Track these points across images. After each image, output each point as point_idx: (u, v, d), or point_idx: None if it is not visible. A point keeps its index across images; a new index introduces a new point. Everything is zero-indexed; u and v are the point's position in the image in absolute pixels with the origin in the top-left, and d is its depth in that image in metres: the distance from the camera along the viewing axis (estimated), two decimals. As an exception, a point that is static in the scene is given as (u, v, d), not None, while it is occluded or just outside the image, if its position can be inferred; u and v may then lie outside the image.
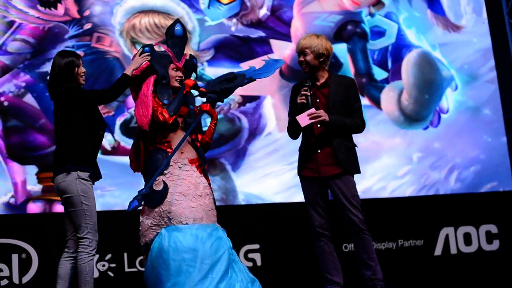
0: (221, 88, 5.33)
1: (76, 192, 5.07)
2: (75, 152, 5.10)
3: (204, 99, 5.38)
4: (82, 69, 5.28)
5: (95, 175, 5.22)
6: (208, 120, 5.42)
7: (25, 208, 7.33)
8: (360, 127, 5.69)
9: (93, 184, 5.23)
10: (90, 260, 5.11)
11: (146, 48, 5.30)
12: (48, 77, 7.38)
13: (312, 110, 5.52)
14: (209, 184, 5.25)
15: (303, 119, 5.52)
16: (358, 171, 5.72)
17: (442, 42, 9.24)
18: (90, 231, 5.11)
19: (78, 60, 5.25)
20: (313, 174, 5.64)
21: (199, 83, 5.51)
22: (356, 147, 5.74)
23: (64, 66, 5.20)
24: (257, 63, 5.49)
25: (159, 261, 4.89)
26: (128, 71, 5.20)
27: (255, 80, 5.41)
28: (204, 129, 5.42)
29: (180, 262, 4.85)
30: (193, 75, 5.56)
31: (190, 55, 5.51)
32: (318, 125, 5.60)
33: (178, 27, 5.40)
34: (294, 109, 5.69)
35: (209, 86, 5.38)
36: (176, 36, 5.38)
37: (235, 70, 5.52)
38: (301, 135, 5.79)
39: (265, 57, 5.55)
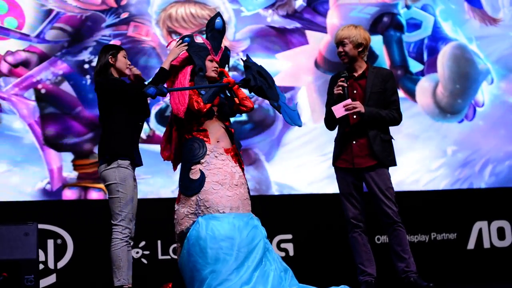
0: (261, 86, 5.25)
1: (114, 179, 5.20)
2: (114, 144, 5.24)
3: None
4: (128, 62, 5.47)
5: (135, 163, 5.32)
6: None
7: (61, 195, 7.41)
8: (396, 119, 5.68)
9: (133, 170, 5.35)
10: (123, 246, 5.19)
11: (187, 39, 5.35)
12: (85, 66, 7.56)
13: (348, 101, 5.52)
14: (244, 173, 5.28)
15: (338, 110, 5.53)
16: (394, 164, 5.71)
17: (478, 35, 9.16)
18: (123, 219, 5.21)
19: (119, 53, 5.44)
20: (347, 165, 5.65)
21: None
22: (392, 139, 5.74)
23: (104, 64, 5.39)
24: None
25: (196, 249, 4.92)
26: (166, 64, 5.27)
27: (279, 112, 5.28)
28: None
29: (217, 250, 4.88)
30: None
31: (225, 47, 5.55)
32: (354, 116, 5.61)
33: (218, 20, 5.45)
34: (331, 100, 5.70)
35: (253, 66, 5.31)
36: (216, 30, 5.43)
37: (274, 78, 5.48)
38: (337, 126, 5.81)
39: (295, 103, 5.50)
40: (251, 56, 5.43)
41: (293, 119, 5.30)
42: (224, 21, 5.49)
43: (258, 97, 5.40)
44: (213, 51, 5.36)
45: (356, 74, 5.70)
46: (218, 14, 5.48)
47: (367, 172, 5.61)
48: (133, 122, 5.34)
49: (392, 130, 5.84)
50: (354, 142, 5.63)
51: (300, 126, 5.34)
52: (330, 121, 5.80)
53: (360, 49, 5.67)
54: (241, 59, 5.41)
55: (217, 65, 5.38)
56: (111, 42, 7.47)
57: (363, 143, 5.62)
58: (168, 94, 5.24)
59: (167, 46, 5.49)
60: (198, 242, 4.93)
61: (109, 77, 5.37)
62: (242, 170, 5.28)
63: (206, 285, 4.82)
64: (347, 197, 5.68)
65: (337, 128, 5.82)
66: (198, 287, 4.88)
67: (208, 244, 4.90)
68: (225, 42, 7.61)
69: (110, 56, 5.40)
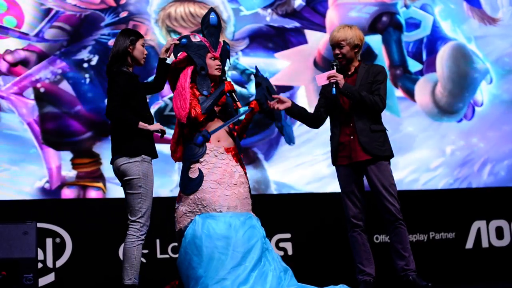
0: (267, 108, 5.46)
1: (137, 174, 5.08)
2: (139, 140, 5.10)
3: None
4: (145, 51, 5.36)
5: (154, 155, 5.26)
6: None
7: (60, 193, 7.41)
8: (378, 104, 5.53)
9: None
10: (139, 244, 5.12)
11: (184, 40, 5.33)
12: (84, 65, 7.56)
13: (333, 71, 5.52)
14: (245, 173, 5.28)
15: (321, 79, 5.54)
16: (390, 154, 5.62)
17: (477, 34, 9.17)
18: (143, 216, 5.12)
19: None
20: (347, 161, 5.63)
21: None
22: (386, 130, 5.67)
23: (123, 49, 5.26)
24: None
25: (192, 247, 4.94)
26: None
27: (281, 133, 5.60)
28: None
29: (212, 249, 4.89)
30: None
31: (223, 41, 5.53)
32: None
33: (212, 16, 5.42)
34: (321, 100, 5.73)
35: (263, 83, 5.49)
36: (211, 26, 5.41)
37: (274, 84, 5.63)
38: (329, 126, 5.80)
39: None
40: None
41: (291, 138, 5.60)
42: (219, 15, 5.48)
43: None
44: (211, 48, 5.34)
45: (349, 72, 5.69)
46: (212, 10, 5.46)
47: (369, 166, 5.56)
48: (148, 115, 5.24)
49: (391, 129, 5.82)
50: (351, 137, 5.61)
51: (293, 144, 5.64)
52: (315, 120, 5.81)
53: (356, 50, 5.67)
54: (253, 74, 5.47)
55: (220, 63, 5.36)
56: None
57: (356, 137, 5.59)
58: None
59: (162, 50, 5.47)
60: (194, 240, 4.95)
61: (123, 77, 5.16)
62: (244, 171, 5.28)
63: (201, 284, 4.84)
64: (348, 196, 5.65)
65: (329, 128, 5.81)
66: (194, 285, 4.90)
67: (204, 242, 4.91)
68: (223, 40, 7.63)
69: (129, 44, 5.23)
